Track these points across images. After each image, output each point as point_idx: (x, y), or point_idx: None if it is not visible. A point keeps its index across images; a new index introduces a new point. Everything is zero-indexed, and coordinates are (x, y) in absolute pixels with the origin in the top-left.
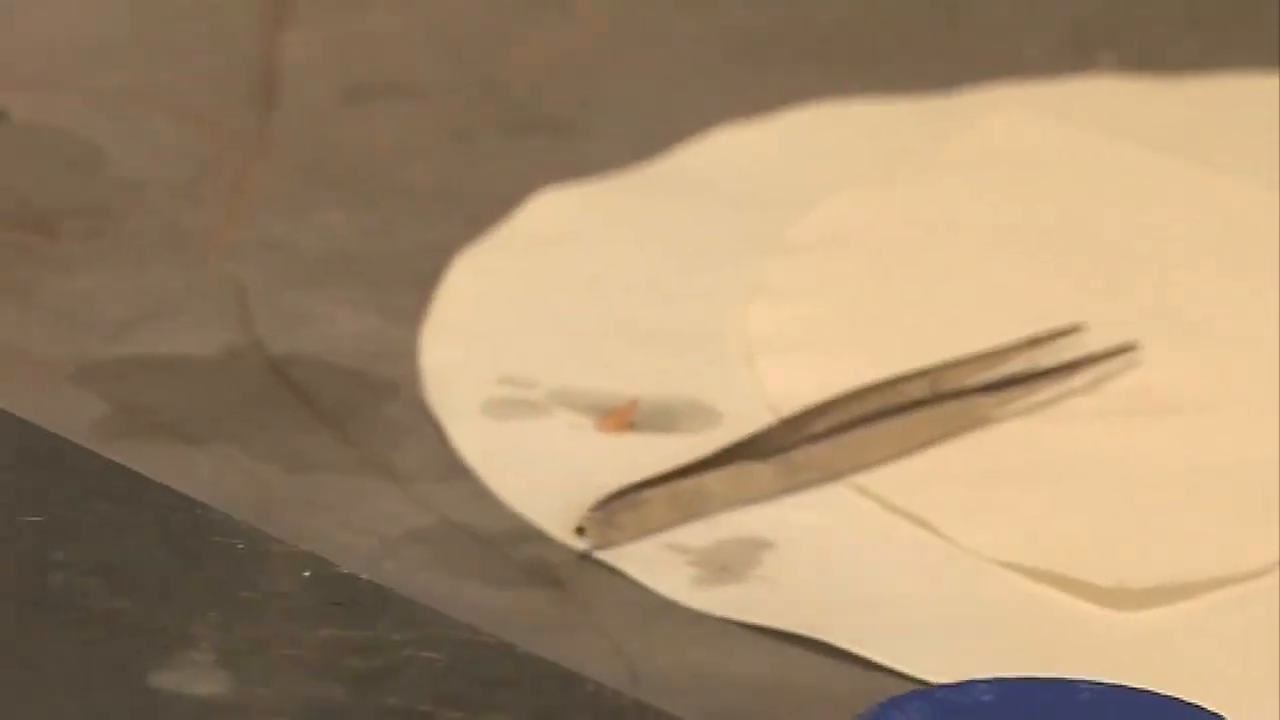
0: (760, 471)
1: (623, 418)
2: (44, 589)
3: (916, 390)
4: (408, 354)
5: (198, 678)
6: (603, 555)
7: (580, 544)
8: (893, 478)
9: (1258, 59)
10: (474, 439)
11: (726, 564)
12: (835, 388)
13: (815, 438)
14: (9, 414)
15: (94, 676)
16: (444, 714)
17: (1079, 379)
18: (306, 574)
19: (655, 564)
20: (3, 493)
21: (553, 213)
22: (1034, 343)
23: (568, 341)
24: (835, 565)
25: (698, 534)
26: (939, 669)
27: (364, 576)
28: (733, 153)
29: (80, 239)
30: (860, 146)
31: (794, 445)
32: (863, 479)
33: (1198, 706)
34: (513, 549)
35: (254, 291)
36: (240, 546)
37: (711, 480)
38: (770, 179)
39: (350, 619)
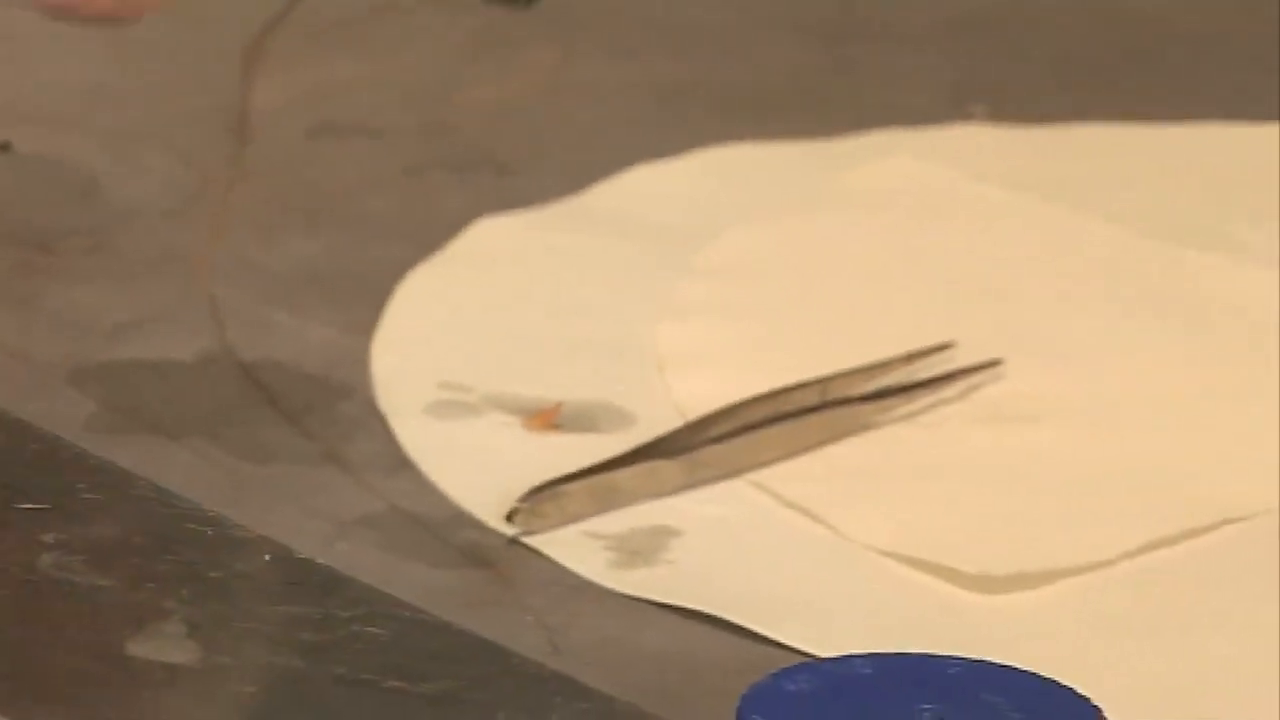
0: (669, 468)
1: (548, 419)
2: (36, 568)
3: (807, 398)
4: (361, 360)
5: (170, 648)
6: (529, 540)
7: (509, 530)
8: (786, 475)
9: (1112, 112)
10: (417, 436)
11: (638, 549)
12: (736, 395)
13: (717, 439)
14: (8, 413)
15: (76, 645)
16: (386, 682)
17: (950, 390)
18: (267, 557)
19: (575, 548)
20: (3, 484)
21: (491, 238)
22: (911, 357)
23: (501, 351)
24: (734, 552)
25: (613, 523)
26: (824, 644)
27: (318, 558)
28: (649, 188)
29: (77, 256)
30: (761, 184)
31: (698, 445)
32: (759, 476)
33: (1052, 680)
34: (450, 534)
35: (228, 304)
36: (209, 532)
37: (625, 476)
38: (681, 211)
39: (305, 597)
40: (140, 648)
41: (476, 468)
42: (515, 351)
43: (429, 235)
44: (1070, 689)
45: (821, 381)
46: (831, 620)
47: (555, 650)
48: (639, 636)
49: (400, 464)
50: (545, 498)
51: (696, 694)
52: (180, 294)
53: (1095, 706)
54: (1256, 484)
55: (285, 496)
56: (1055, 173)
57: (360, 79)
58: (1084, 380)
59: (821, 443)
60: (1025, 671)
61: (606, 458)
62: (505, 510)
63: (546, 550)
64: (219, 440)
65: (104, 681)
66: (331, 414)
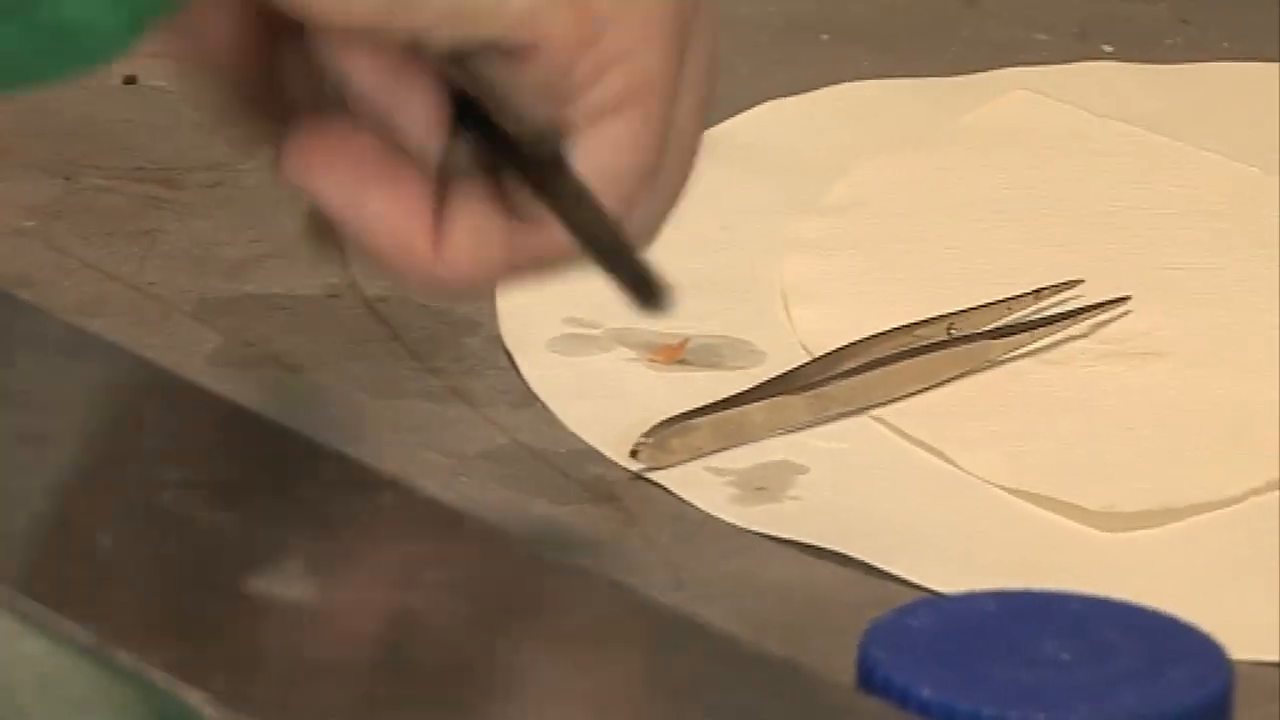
0: (794, 404)
1: (674, 354)
2: (155, 505)
3: (933, 334)
4: (487, 296)
5: (289, 584)
6: (653, 475)
7: (634, 465)
8: (911, 411)
9: (1235, 51)
10: (542, 371)
11: (763, 485)
12: (861, 331)
13: (843, 375)
14: (129, 350)
15: (198, 582)
16: (509, 621)
17: (1077, 326)
18: (390, 493)
19: (700, 484)
20: (123, 420)
21: None
22: (1038, 294)
23: None
24: (858, 487)
25: (738, 458)
26: (947, 580)
27: (441, 494)
28: (777, 123)
29: (201, 190)
30: (887, 120)
31: (824, 381)
32: (884, 412)
33: (1174, 617)
34: (574, 469)
35: None
36: (330, 469)
37: (751, 411)
38: (808, 147)
39: (427, 535)
40: (259, 584)
41: (601, 403)
42: None
43: None
44: (1194, 627)
45: (947, 317)
46: (955, 556)
47: (679, 586)
48: (763, 572)
49: (525, 399)
50: (670, 433)
51: (820, 630)
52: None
53: (1219, 645)
54: None
55: (409, 431)
56: (1179, 110)
57: None
58: (1210, 317)
59: (947, 379)
60: (1149, 609)
61: (732, 393)
62: (630, 445)
63: (671, 486)
64: (343, 375)
65: (223, 618)
66: (456, 349)
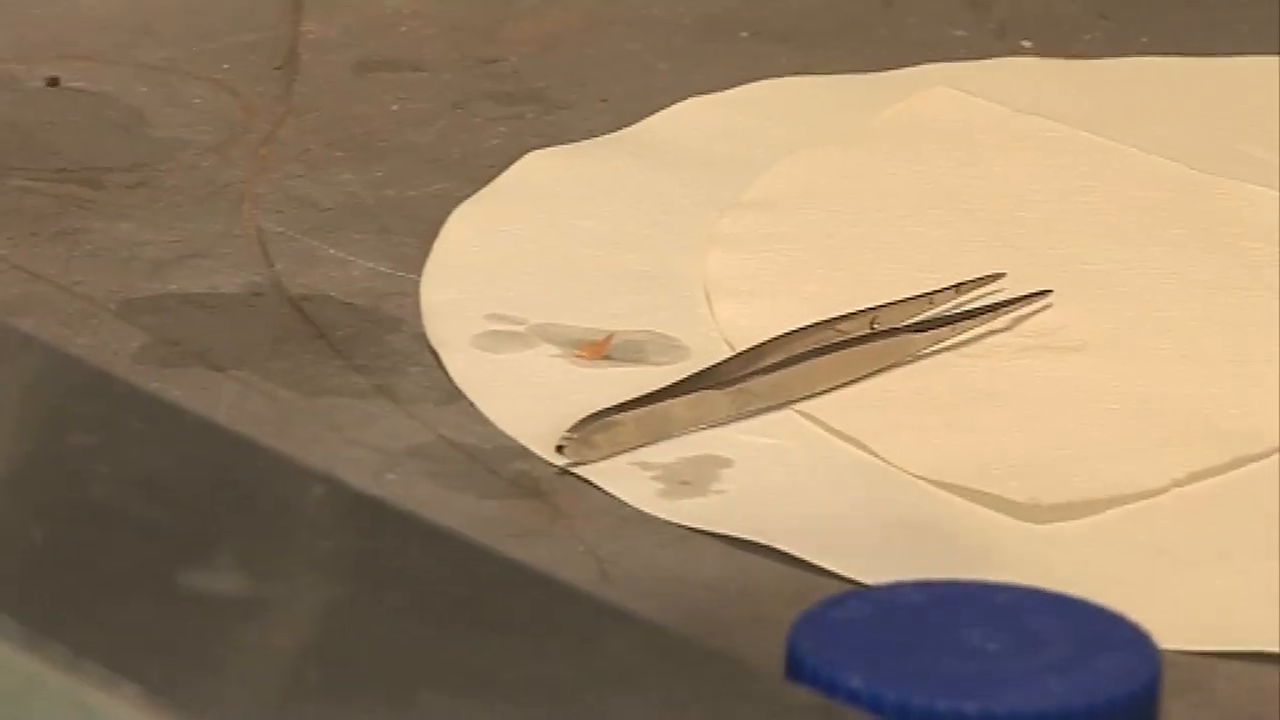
0: (718, 398)
1: (599, 349)
2: (87, 501)
3: (855, 328)
4: (410, 293)
5: (221, 579)
6: (579, 471)
7: (560, 460)
8: (834, 405)
9: (1152, 46)
10: (467, 368)
11: (688, 479)
12: (784, 325)
13: (767, 369)
14: (57, 348)
15: (130, 577)
16: (436, 611)
17: (999, 320)
18: (318, 489)
19: (626, 478)
20: (53, 417)
21: (539, 172)
22: (959, 288)
23: (550, 283)
24: (784, 481)
25: (663, 452)
26: (873, 572)
27: (368, 490)
28: (696, 121)
29: (123, 190)
30: (807, 117)
31: (748, 376)
32: (808, 406)
33: (1102, 607)
34: (500, 465)
35: (275, 237)
36: (260, 464)
37: (675, 406)
38: (728, 144)
39: (356, 528)
40: (191, 579)
41: (526, 399)
42: (564, 283)
43: (476, 169)
44: (1120, 615)
45: (869, 312)
46: (881, 548)
47: (606, 580)
48: (689, 566)
49: (450, 396)
50: (595, 428)
51: (747, 622)
52: (227, 227)
53: (1146, 634)
54: None
55: (334, 428)
56: (1097, 105)
57: (406, 12)
58: (1131, 310)
59: (870, 373)
60: (1076, 599)
61: (656, 388)
62: (555, 441)
63: (597, 480)
64: (267, 373)
65: (156, 613)
66: (380, 346)
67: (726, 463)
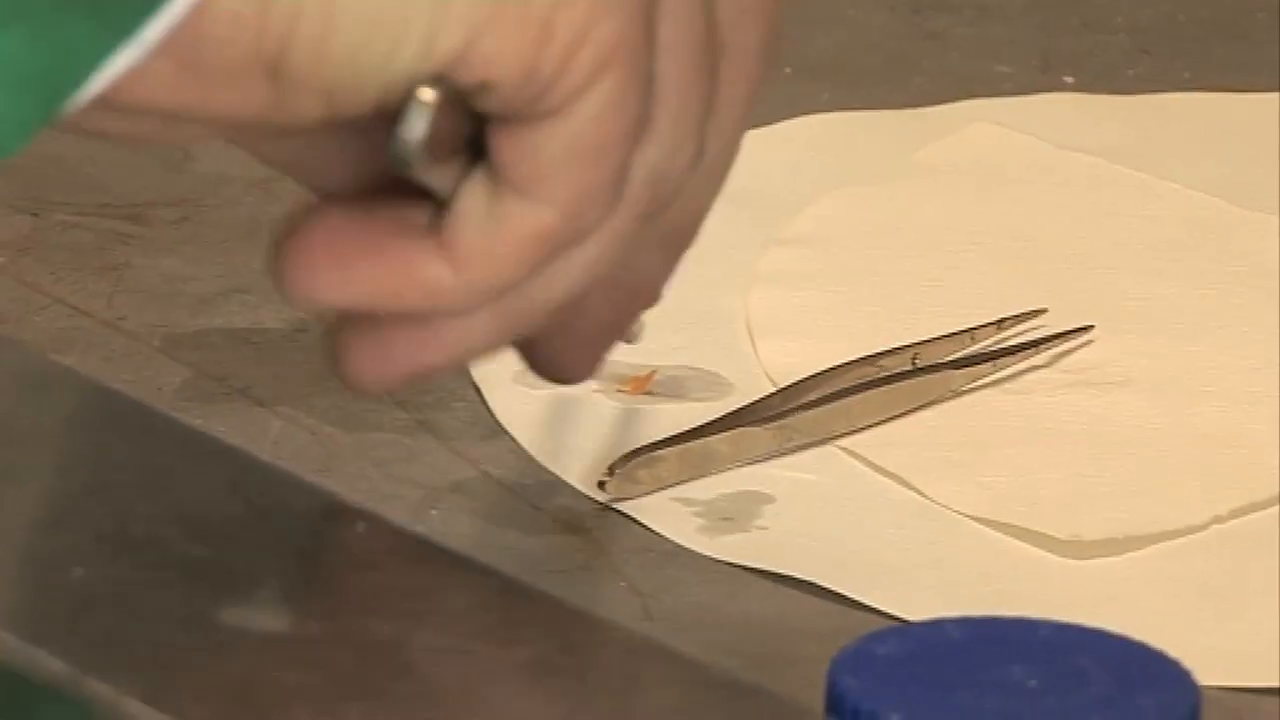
0: (760, 435)
1: (642, 385)
2: (129, 536)
3: (897, 365)
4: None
5: (262, 614)
6: (621, 506)
7: (602, 496)
8: (876, 441)
9: (1195, 81)
10: (509, 403)
11: (730, 515)
12: (826, 361)
13: (808, 405)
14: (100, 383)
15: (172, 614)
16: (479, 648)
17: (1040, 356)
18: (360, 525)
19: (668, 514)
20: (95, 452)
21: None
22: (1001, 324)
23: None
24: (825, 517)
25: (705, 489)
26: (915, 608)
27: (411, 526)
28: (740, 157)
29: (167, 226)
30: (851, 152)
31: (789, 412)
32: (849, 442)
33: (1142, 644)
34: (543, 500)
35: None
36: (302, 500)
37: (717, 442)
38: (771, 179)
39: (399, 564)
40: (233, 616)
41: (568, 434)
42: None
43: None
44: (1162, 653)
45: (911, 348)
46: (922, 585)
47: (648, 616)
48: (731, 602)
49: (492, 431)
50: (637, 464)
51: (788, 658)
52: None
53: (1186, 670)
54: None
55: (377, 464)
56: (1139, 141)
57: None
58: (1173, 346)
59: (912, 409)
60: (1116, 635)
61: (698, 424)
62: (597, 477)
63: (639, 516)
64: (311, 409)
65: (198, 648)
66: (423, 382)
67: (768, 499)
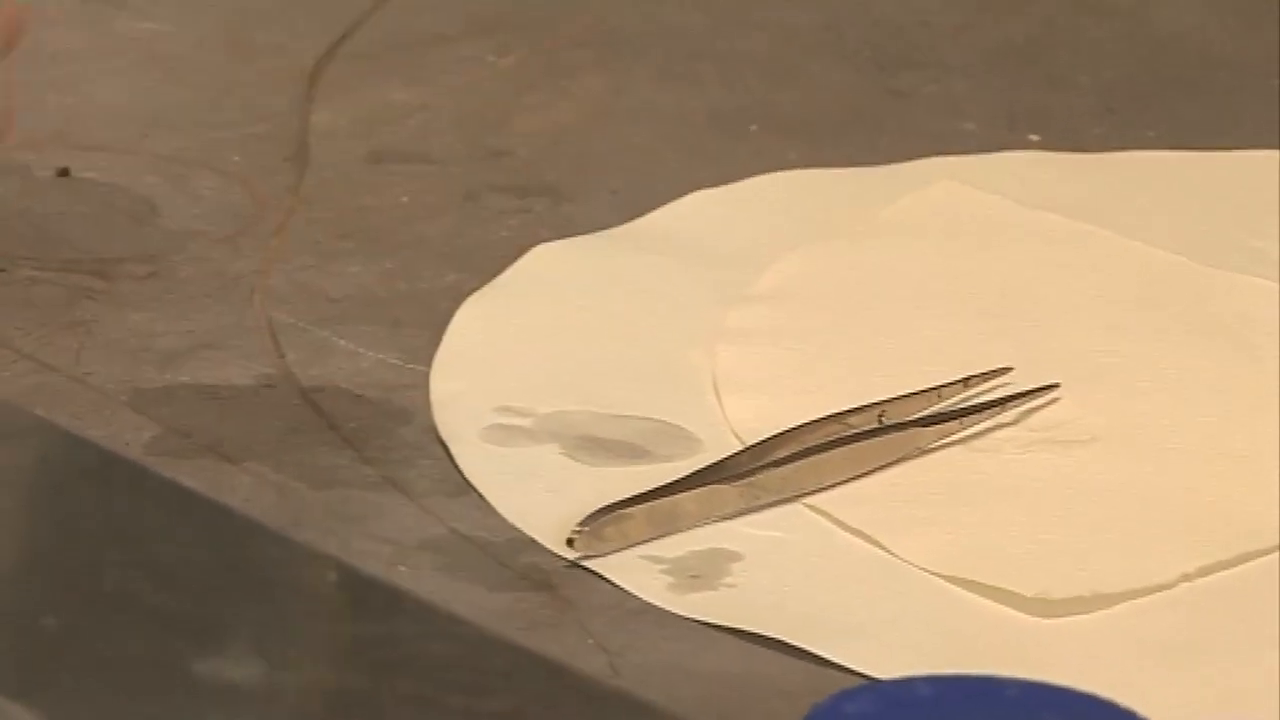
0: (727, 492)
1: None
2: (101, 587)
3: (864, 422)
4: (420, 385)
5: (234, 665)
6: (589, 564)
7: (570, 554)
8: (843, 499)
9: (1156, 139)
10: (476, 461)
11: (698, 572)
12: (793, 419)
13: (775, 463)
14: (71, 434)
15: (142, 662)
16: (448, 700)
17: (1007, 413)
18: (331, 576)
19: (635, 572)
20: (65, 503)
21: (548, 265)
22: (967, 382)
23: (559, 376)
24: (793, 575)
25: (673, 546)
26: (884, 666)
27: (381, 580)
28: (704, 214)
29: (135, 281)
30: (815, 210)
31: (757, 470)
32: (817, 500)
33: (1110, 701)
34: (510, 557)
35: (286, 329)
36: (273, 551)
37: (685, 500)
38: (736, 237)
39: (369, 615)
40: (204, 666)
41: (535, 492)
42: (574, 376)
43: (485, 260)
44: (1129, 710)
45: (878, 405)
46: (891, 642)
47: (614, 671)
48: (699, 659)
49: (460, 488)
50: (605, 522)
51: (758, 716)
52: (238, 318)
53: None
54: None
55: (345, 520)
56: (1104, 199)
57: (416, 104)
58: (1138, 403)
59: (879, 466)
60: (1084, 693)
61: (665, 482)
62: (565, 534)
63: (606, 573)
64: (279, 464)
65: (169, 699)
66: (391, 438)
67: (736, 556)
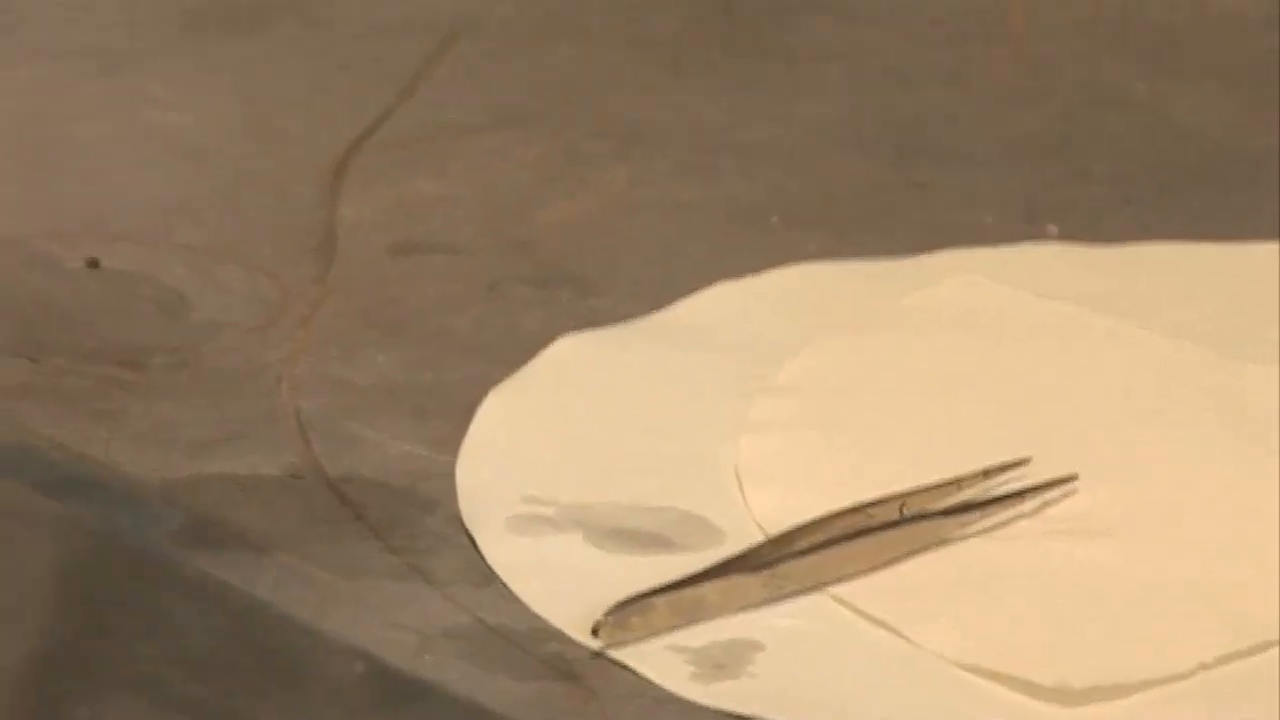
0: (750, 582)
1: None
2: (131, 677)
3: (886, 513)
4: (446, 475)
5: None
6: (614, 653)
7: (594, 643)
8: (866, 589)
9: (1174, 229)
10: (501, 550)
11: (721, 662)
12: (815, 510)
13: (798, 553)
14: (101, 523)
15: None
16: None
17: (1026, 505)
18: (358, 666)
19: (660, 661)
20: (98, 595)
21: (572, 356)
22: (987, 473)
23: (583, 466)
24: (817, 664)
25: (696, 636)
26: None
27: (406, 669)
28: (726, 306)
29: (164, 371)
30: (836, 301)
31: (780, 560)
32: (840, 590)
33: None
34: (536, 646)
35: (314, 419)
36: (300, 641)
37: (709, 590)
38: (758, 328)
39: (395, 706)
40: None
41: (560, 582)
42: (597, 467)
43: (509, 351)
44: None
45: (900, 497)
46: None
47: None
48: None
49: (485, 578)
50: (629, 611)
51: None
52: (266, 409)
53: None
54: None
55: (373, 610)
56: (1122, 290)
57: (441, 197)
58: (1155, 494)
59: (900, 557)
60: None
61: (689, 572)
62: (590, 624)
63: (631, 663)
64: (306, 554)
65: None
66: (417, 528)
67: (759, 646)
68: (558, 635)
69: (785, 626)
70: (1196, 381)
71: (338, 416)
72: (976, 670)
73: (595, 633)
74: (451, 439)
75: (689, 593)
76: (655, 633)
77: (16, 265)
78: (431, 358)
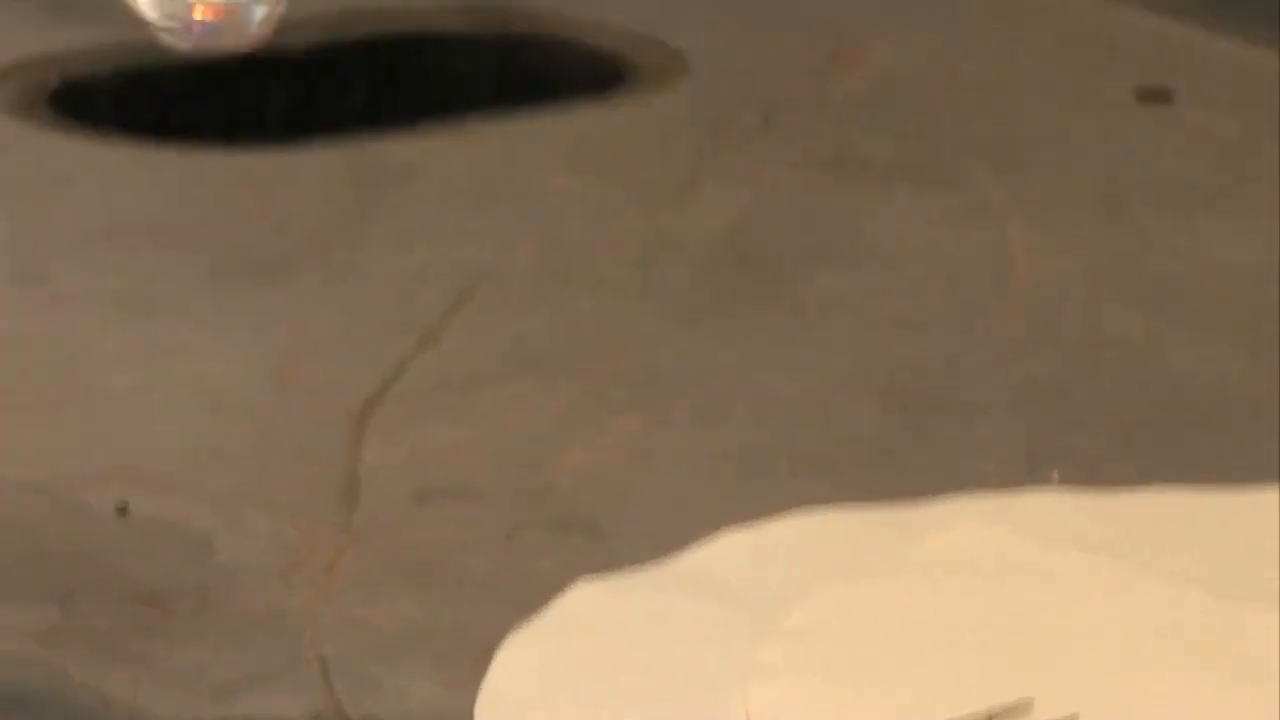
0: None
1: None
2: None
3: None
4: (466, 717)
5: None
6: None
7: None
8: None
9: (1180, 477)
10: None
11: None
12: None
13: None
14: None
15: None
16: None
17: None
18: None
19: None
20: None
21: (587, 602)
22: (991, 715)
23: (598, 712)
24: None
25: None
26: None
27: None
28: (735, 553)
29: (189, 615)
30: (844, 548)
31: None
32: None
33: None
34: None
35: (336, 663)
36: None
37: None
38: (766, 575)
39: None
40: None
41: None
42: (612, 711)
43: (527, 595)
44: None
45: None
46: None
47: None
48: None
49: None
50: None
51: None
52: (289, 652)
53: None
54: None
55: None
56: (1123, 536)
57: (461, 444)
58: None
59: None
60: None
61: None
62: None
63: None
64: None
65: None
66: None
67: None
68: None
69: None
70: (1196, 625)
71: (360, 659)
72: None
73: None
74: (472, 682)
75: None
76: None
77: (47, 511)
78: (451, 601)
